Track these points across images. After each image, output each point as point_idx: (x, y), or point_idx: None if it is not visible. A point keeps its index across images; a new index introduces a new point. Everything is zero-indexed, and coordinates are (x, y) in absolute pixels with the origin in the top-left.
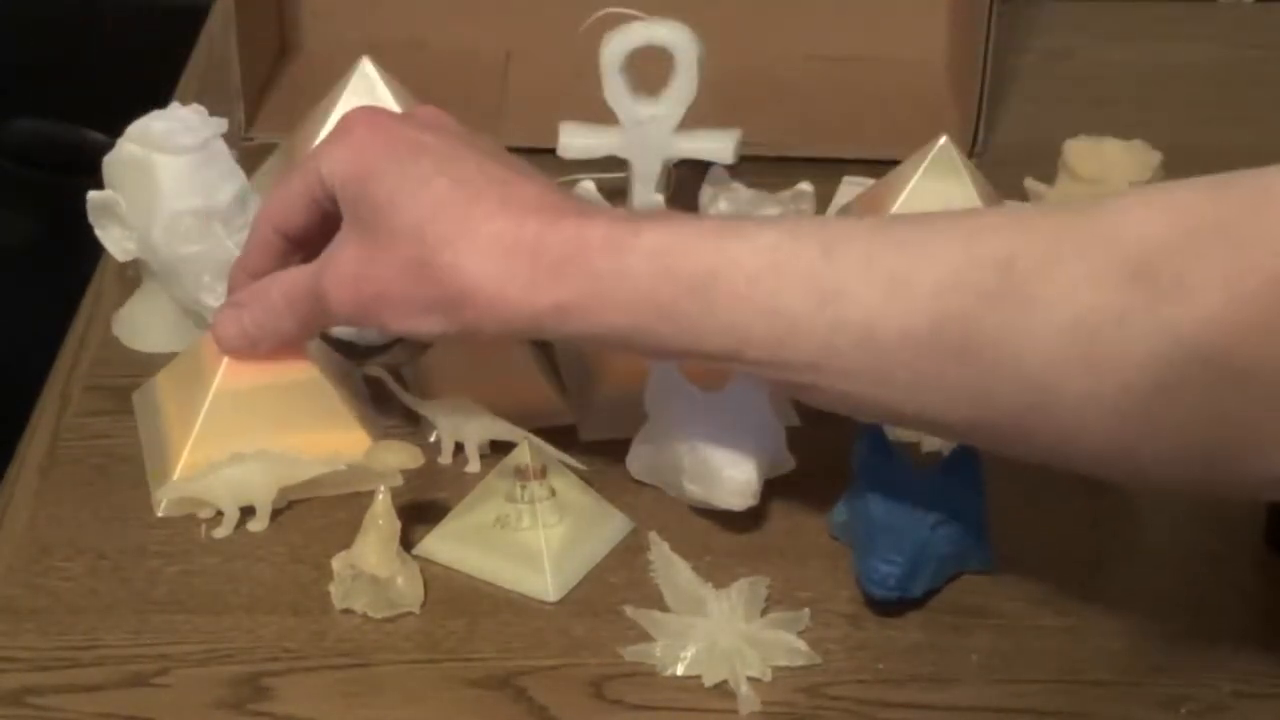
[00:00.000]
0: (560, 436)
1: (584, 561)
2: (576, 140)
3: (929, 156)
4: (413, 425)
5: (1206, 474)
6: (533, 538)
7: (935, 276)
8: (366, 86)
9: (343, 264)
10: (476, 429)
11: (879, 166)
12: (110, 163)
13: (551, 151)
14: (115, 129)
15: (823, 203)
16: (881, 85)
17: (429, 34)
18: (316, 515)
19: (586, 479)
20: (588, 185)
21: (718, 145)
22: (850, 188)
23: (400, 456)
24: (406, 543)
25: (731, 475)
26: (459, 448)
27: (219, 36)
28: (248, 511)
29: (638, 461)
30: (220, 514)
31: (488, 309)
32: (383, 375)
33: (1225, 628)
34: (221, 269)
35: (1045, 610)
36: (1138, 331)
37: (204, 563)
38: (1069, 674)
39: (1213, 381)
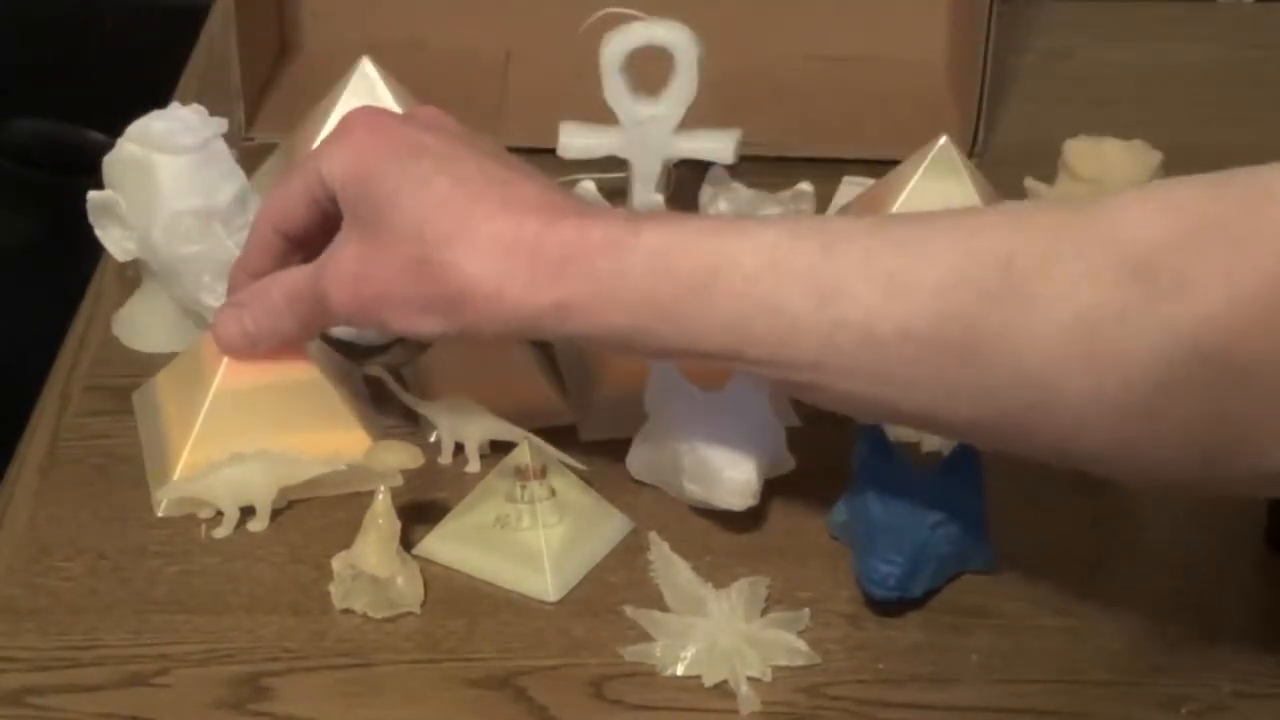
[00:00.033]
0: (560, 436)
1: (584, 561)
2: (576, 140)
3: (929, 156)
4: (413, 425)
5: (1206, 471)
6: (533, 538)
7: (935, 275)
8: (366, 86)
9: (343, 264)
10: (476, 429)
11: (879, 166)
12: (110, 163)
13: (551, 151)
14: (115, 129)
15: (823, 203)
16: (881, 85)
17: (429, 34)
18: (316, 515)
19: (586, 479)
20: (588, 185)
21: (718, 145)
22: (850, 188)
23: (400, 456)
24: (406, 543)
25: (731, 475)
26: (459, 448)
27: (219, 36)
28: (248, 511)
29: (638, 461)
30: (220, 514)
31: (487, 308)
32: (383, 375)
33: (1225, 628)
34: (221, 269)
35: (1045, 610)
36: (1138, 329)
37: (204, 563)
38: (1069, 674)
39: (1213, 379)
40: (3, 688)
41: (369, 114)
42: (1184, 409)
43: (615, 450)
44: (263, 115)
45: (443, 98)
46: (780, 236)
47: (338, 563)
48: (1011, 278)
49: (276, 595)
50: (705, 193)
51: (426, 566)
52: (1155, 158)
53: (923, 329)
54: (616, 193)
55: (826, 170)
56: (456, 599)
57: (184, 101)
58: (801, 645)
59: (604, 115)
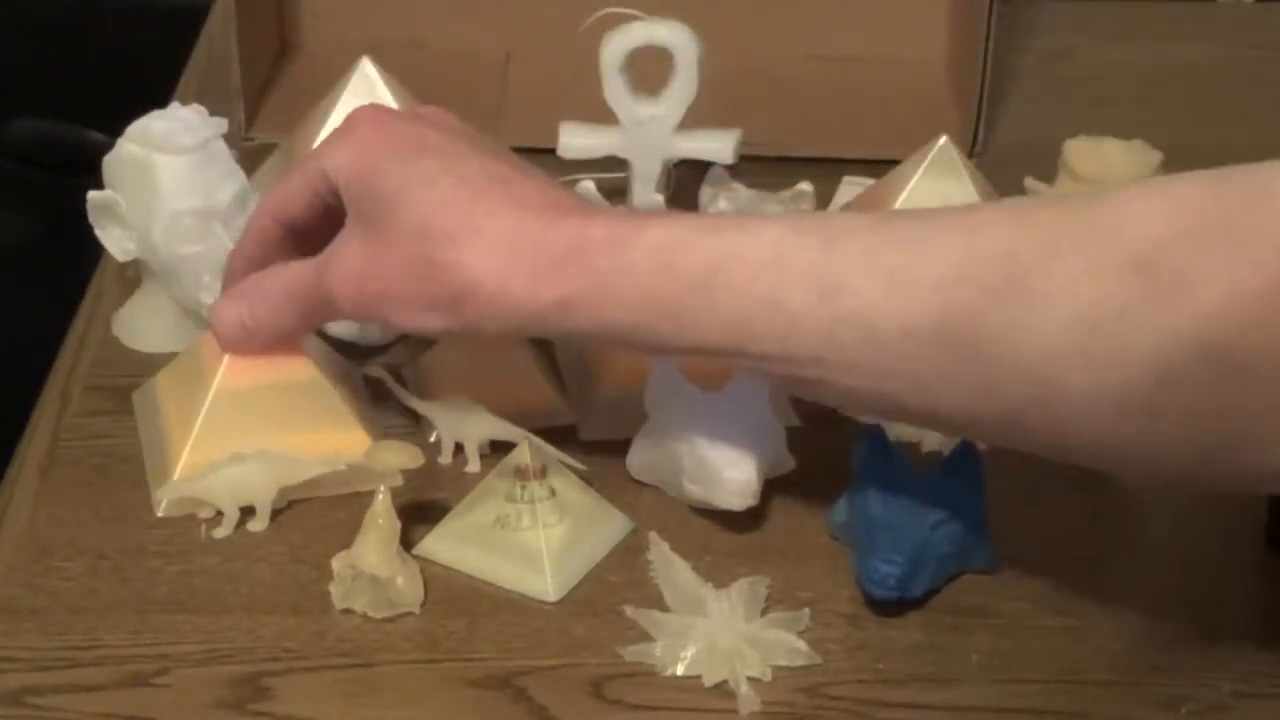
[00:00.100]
0: (560, 436)
1: (584, 561)
2: (576, 140)
3: (929, 156)
4: (413, 425)
5: (1206, 468)
6: (533, 538)
7: (936, 271)
8: (366, 86)
9: (346, 261)
10: (476, 429)
11: (879, 166)
12: (110, 163)
13: (551, 151)
14: (115, 129)
15: (823, 203)
16: (881, 85)
17: (429, 34)
18: (316, 515)
19: (586, 479)
20: (588, 185)
21: (718, 145)
22: (850, 188)
23: (400, 456)
24: (406, 543)
25: (731, 475)
26: (459, 448)
27: (219, 36)
28: (248, 511)
29: (638, 461)
30: (220, 514)
31: (490, 306)
32: (383, 375)
33: (1225, 627)
34: (221, 269)
35: (1045, 610)
36: (1138, 326)
37: (204, 563)
38: (1069, 674)
39: (1213, 376)
40: (3, 688)
41: (374, 111)
42: (1184, 405)
43: (615, 450)
44: (263, 115)
45: (443, 98)
46: (782, 233)
47: (338, 563)
48: (1012, 274)
49: (276, 595)
50: (705, 193)
51: (426, 566)
52: (1155, 158)
53: (924, 325)
54: (616, 193)
55: (826, 170)
56: (456, 599)
57: (184, 101)
58: (801, 645)
59: (604, 115)
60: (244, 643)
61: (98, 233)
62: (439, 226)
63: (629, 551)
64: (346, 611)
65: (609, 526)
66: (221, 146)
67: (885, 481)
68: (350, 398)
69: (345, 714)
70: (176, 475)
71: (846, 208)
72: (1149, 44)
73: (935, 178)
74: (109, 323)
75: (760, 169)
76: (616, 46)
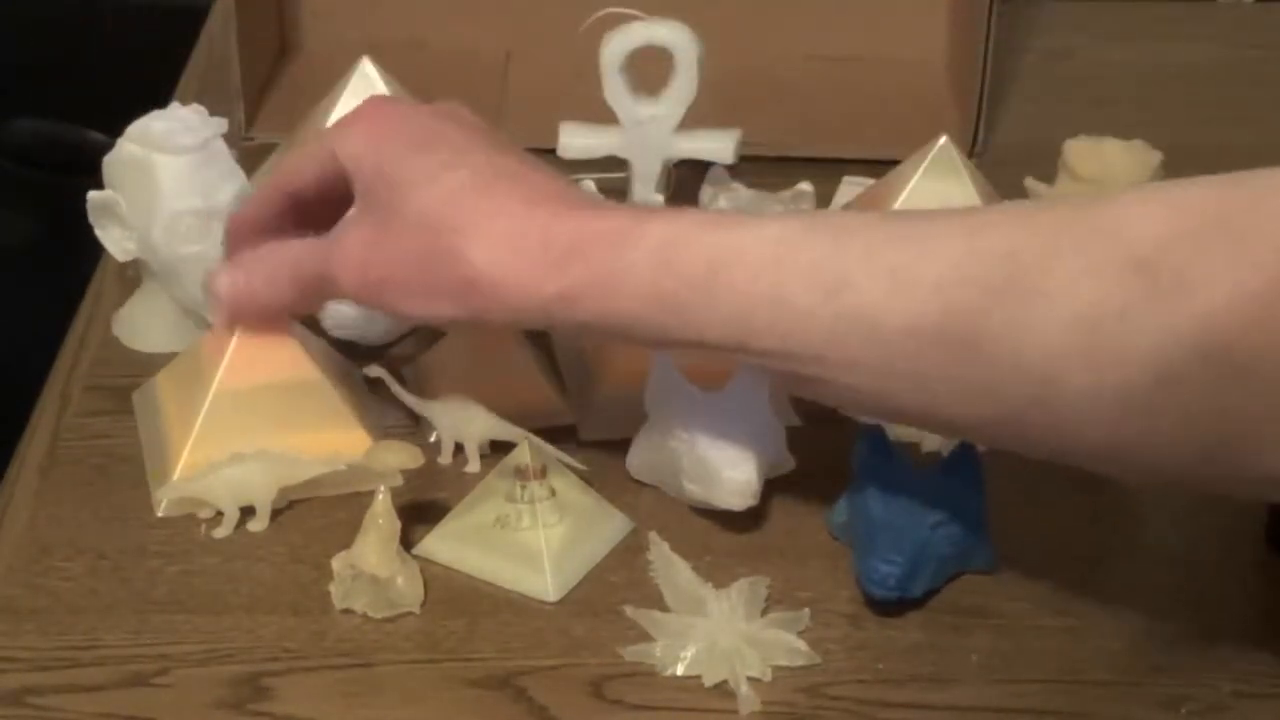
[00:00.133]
0: (560, 436)
1: (584, 561)
2: (576, 140)
3: (929, 156)
4: (413, 425)
5: (1206, 470)
6: (533, 538)
7: (937, 271)
8: (366, 86)
9: (352, 246)
10: (476, 429)
11: (879, 166)
12: (110, 163)
13: (551, 151)
14: (115, 129)
15: (823, 202)
16: (881, 85)
17: (429, 34)
18: (316, 515)
19: (586, 479)
20: (588, 185)
21: (718, 145)
22: (850, 188)
23: (400, 456)
24: (406, 543)
25: (731, 475)
26: (459, 448)
27: (219, 36)
28: (248, 511)
29: (638, 461)
30: (220, 514)
31: (495, 296)
32: (383, 375)
33: (1225, 627)
34: None
35: (1045, 610)
36: (1138, 326)
37: (204, 563)
38: (1069, 674)
39: (1213, 376)
40: (3, 688)
41: (387, 100)
42: (1184, 405)
43: (615, 450)
44: (263, 115)
45: (442, 98)
46: (784, 230)
47: (338, 563)
48: (1013, 274)
49: (276, 595)
50: (705, 193)
51: (426, 566)
52: (1155, 158)
53: (925, 324)
54: (616, 193)
55: (826, 170)
56: (456, 599)
57: (184, 101)
58: (801, 645)
59: (604, 115)
60: (244, 643)
61: (98, 233)
62: (447, 217)
63: (629, 551)
64: (346, 611)
65: (609, 526)
66: (221, 146)
67: (885, 481)
68: (350, 398)
69: (345, 714)
70: (176, 475)
71: (847, 208)
72: (1149, 44)
73: (935, 178)
74: (109, 323)
75: (760, 169)
76: (616, 46)
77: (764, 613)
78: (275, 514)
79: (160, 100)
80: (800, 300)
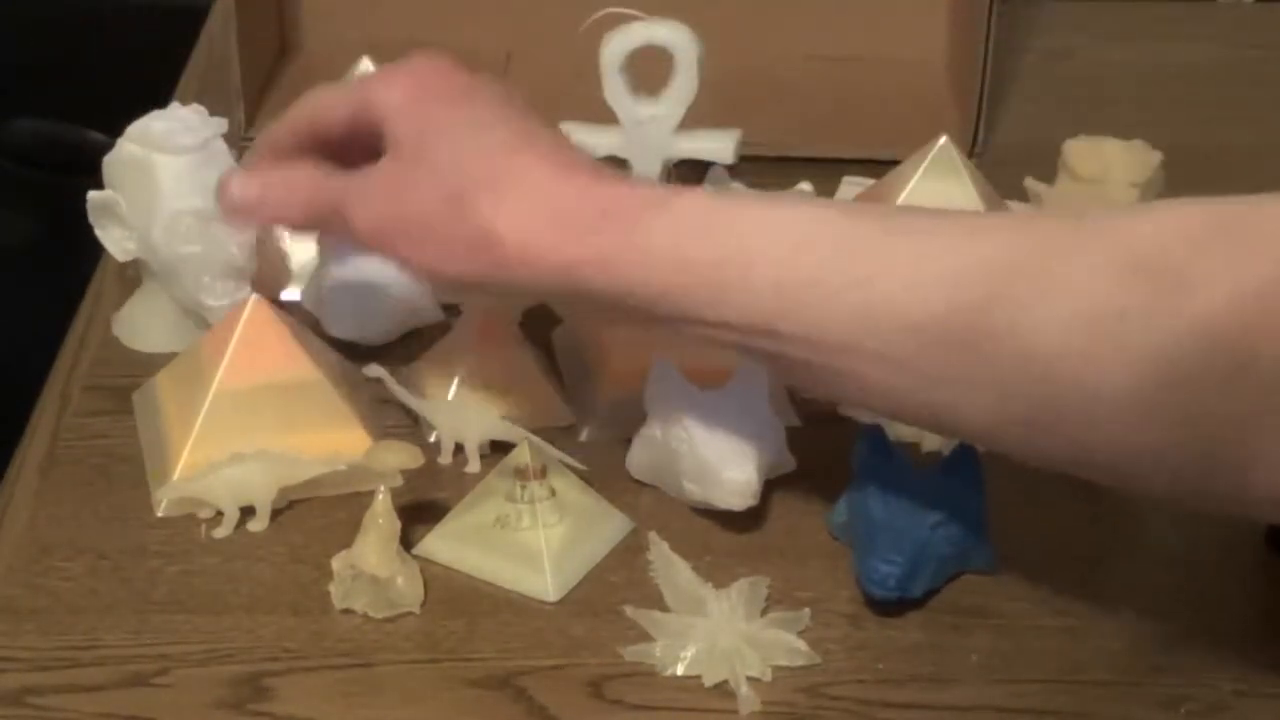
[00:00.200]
0: (560, 436)
1: (584, 561)
2: (576, 140)
3: (929, 156)
4: (413, 425)
5: (1204, 483)
6: (533, 538)
7: (944, 269)
8: None
9: (373, 187)
10: (476, 429)
11: (879, 166)
12: (110, 163)
13: None
14: (115, 129)
15: None
16: (881, 85)
17: (429, 34)
18: (316, 515)
19: (586, 479)
20: None
21: (718, 145)
22: (850, 188)
23: (400, 456)
24: (406, 543)
25: (731, 476)
26: (459, 448)
27: (219, 36)
28: (248, 511)
29: (638, 461)
30: (220, 514)
31: (517, 256)
32: (383, 375)
33: (1225, 627)
34: (221, 269)
35: (1045, 610)
36: (1140, 326)
37: (204, 563)
38: (1069, 674)
39: (1213, 378)
40: (3, 688)
41: (431, 55)
42: (1184, 407)
43: (615, 450)
44: (263, 115)
45: None
46: (812, 216)
47: (338, 563)
48: (1014, 274)
49: (276, 595)
50: None
51: (426, 566)
52: (1155, 158)
53: (931, 321)
54: None
55: (826, 170)
56: (456, 599)
57: (184, 101)
58: (801, 645)
59: (604, 115)
60: (244, 643)
61: (98, 233)
62: (477, 171)
63: (629, 551)
64: (346, 611)
65: (609, 526)
66: (221, 146)
67: (885, 481)
68: (350, 398)
69: (345, 714)
70: (176, 475)
71: None
72: (1149, 44)
73: (935, 178)
74: (109, 323)
75: (760, 169)
76: (616, 46)
77: (764, 613)
78: (275, 514)
79: (160, 100)
80: (826, 287)
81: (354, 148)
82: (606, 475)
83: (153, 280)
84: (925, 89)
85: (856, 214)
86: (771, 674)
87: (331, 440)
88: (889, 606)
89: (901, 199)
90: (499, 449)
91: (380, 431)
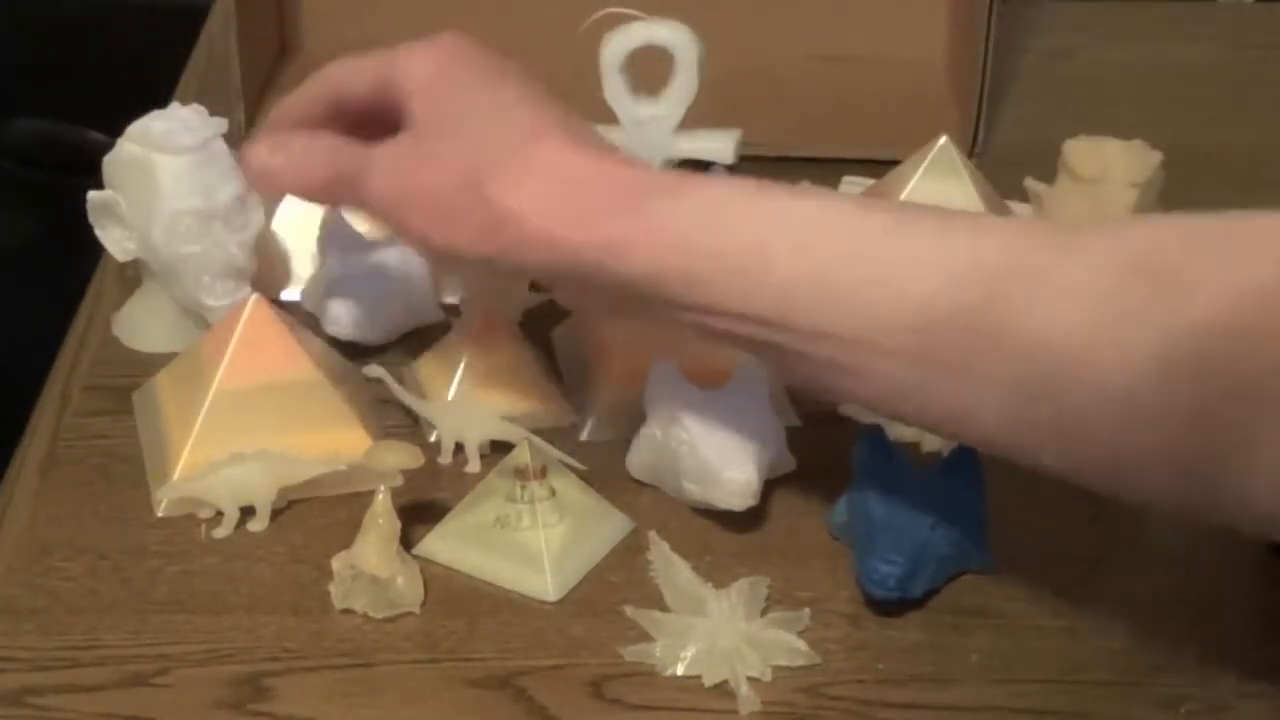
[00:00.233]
0: (560, 436)
1: (584, 561)
2: None
3: (929, 156)
4: (413, 425)
5: (1206, 486)
6: (533, 538)
7: (947, 266)
8: None
9: (395, 158)
10: (476, 429)
11: (879, 166)
12: (110, 163)
13: None
14: (115, 129)
15: None
16: (881, 85)
17: (429, 34)
18: (316, 515)
19: (586, 479)
20: None
21: (718, 145)
22: (850, 188)
23: (400, 456)
24: (406, 543)
25: (731, 476)
26: (459, 448)
27: (219, 36)
28: (248, 511)
29: (638, 461)
30: (220, 514)
31: (532, 236)
32: (383, 375)
33: (1226, 628)
34: (221, 269)
35: (1045, 610)
36: (1138, 326)
37: (204, 563)
38: (1069, 674)
39: (1213, 379)
40: (3, 688)
41: (457, 34)
42: (1183, 408)
43: (615, 450)
44: (263, 115)
45: None
46: (826, 210)
47: (338, 563)
48: (1015, 272)
49: (276, 595)
50: None
51: (426, 566)
52: (1155, 158)
53: (937, 318)
54: None
55: (826, 170)
56: (456, 599)
57: (184, 101)
58: (801, 645)
59: (604, 115)
60: (244, 643)
61: (98, 233)
62: (499, 150)
63: (629, 551)
64: (346, 611)
65: (609, 526)
66: (221, 146)
67: (885, 481)
68: (350, 398)
69: (345, 714)
70: (176, 475)
71: None
72: (1149, 44)
73: (935, 178)
74: (109, 323)
75: (760, 169)
76: (616, 46)
77: (764, 613)
78: (275, 514)
79: (160, 100)
80: (841, 281)
81: (371, 122)
82: (606, 475)
83: (153, 280)
84: (925, 89)
85: (868, 208)
86: (771, 674)
87: (331, 440)
88: (889, 606)
89: (901, 199)
90: (499, 449)
91: (380, 431)
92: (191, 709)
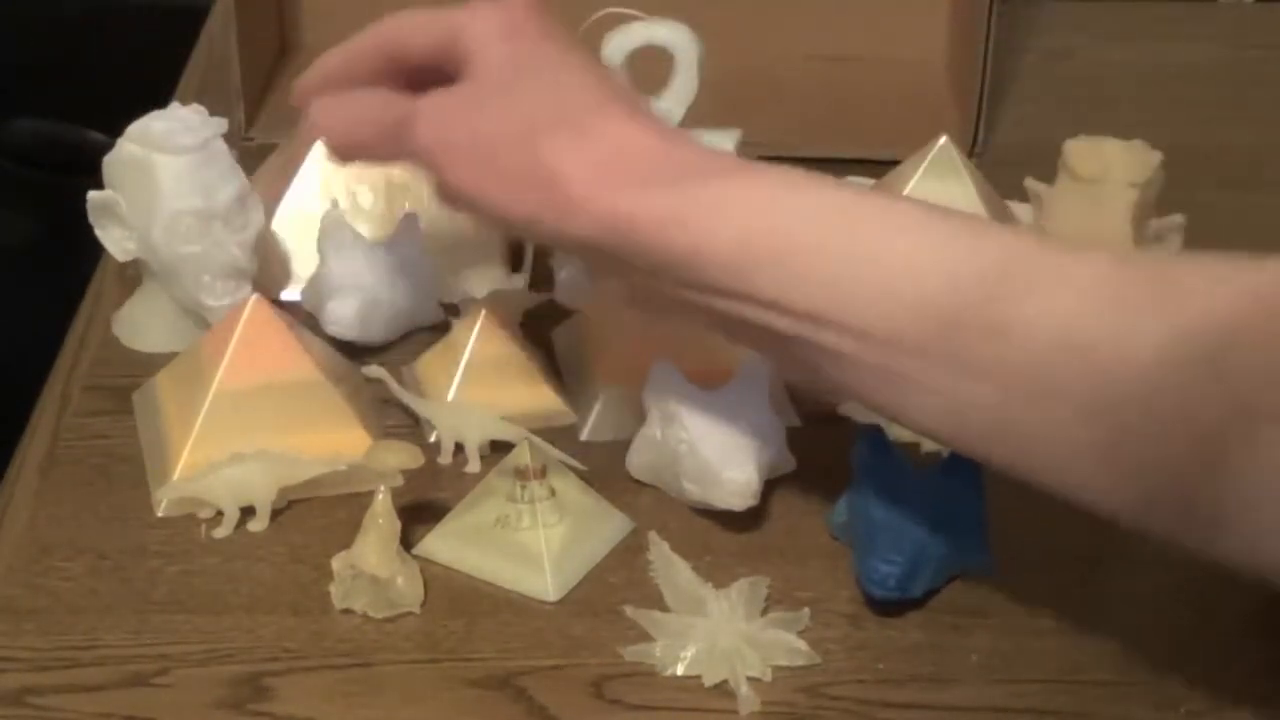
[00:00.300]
0: (560, 436)
1: (584, 561)
2: None
3: (929, 156)
4: (413, 425)
5: (1194, 495)
6: (533, 538)
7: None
8: None
9: (447, 103)
10: (476, 429)
11: (879, 166)
12: (110, 163)
13: None
14: (115, 129)
15: None
16: (881, 85)
17: None
18: (316, 515)
19: (586, 479)
20: None
21: (718, 145)
22: None
23: (400, 456)
24: (406, 543)
25: (731, 476)
26: (459, 448)
27: (219, 36)
28: (248, 511)
29: (638, 461)
30: (220, 514)
31: (579, 198)
32: (383, 375)
33: (1225, 627)
34: (221, 269)
35: (1045, 610)
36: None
37: (204, 563)
38: (1069, 674)
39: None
40: (3, 688)
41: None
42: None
43: (615, 450)
44: (263, 115)
45: None
46: (887, 212)
47: (338, 563)
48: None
49: (276, 595)
50: None
51: (426, 566)
52: (1155, 158)
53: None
54: None
55: (826, 170)
56: (456, 599)
57: (184, 101)
58: (801, 645)
59: None
60: (244, 643)
61: (98, 233)
62: (559, 110)
63: (629, 551)
64: (346, 611)
65: (609, 526)
66: (221, 146)
67: (885, 481)
68: (350, 398)
69: (345, 714)
70: (176, 475)
71: None
72: (1149, 44)
73: (935, 178)
74: (109, 323)
75: None
76: (616, 46)
77: (764, 613)
78: (275, 514)
79: (160, 100)
80: (883, 283)
81: (425, 83)
82: (606, 475)
83: (153, 280)
84: (925, 89)
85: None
86: (771, 674)
87: (331, 440)
88: (889, 606)
89: None
90: (499, 449)
91: (380, 431)
92: (191, 709)
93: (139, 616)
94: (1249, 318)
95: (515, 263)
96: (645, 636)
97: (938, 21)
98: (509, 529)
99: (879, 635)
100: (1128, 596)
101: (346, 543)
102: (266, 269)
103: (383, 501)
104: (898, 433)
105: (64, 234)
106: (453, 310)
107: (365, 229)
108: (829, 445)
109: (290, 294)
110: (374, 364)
